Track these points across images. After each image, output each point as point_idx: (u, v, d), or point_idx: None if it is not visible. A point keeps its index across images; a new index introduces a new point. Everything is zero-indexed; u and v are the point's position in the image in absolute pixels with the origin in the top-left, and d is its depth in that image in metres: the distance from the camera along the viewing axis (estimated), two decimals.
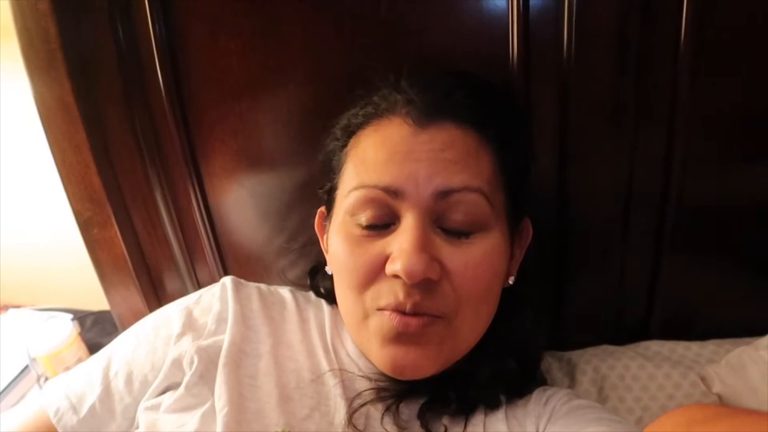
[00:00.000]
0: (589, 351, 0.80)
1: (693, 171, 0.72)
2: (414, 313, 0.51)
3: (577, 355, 0.79)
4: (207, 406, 0.56)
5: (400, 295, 0.51)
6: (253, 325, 0.64)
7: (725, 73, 0.68)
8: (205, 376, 0.58)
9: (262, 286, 0.70)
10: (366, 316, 0.55)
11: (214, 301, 0.66)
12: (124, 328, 0.97)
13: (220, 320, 0.63)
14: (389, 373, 0.55)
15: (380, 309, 0.53)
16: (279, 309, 0.67)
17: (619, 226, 0.76)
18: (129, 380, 0.63)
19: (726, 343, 0.77)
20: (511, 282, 0.61)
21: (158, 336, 0.64)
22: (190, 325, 0.64)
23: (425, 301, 0.51)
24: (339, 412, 0.55)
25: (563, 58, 0.68)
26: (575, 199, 0.76)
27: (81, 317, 1.18)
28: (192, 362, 0.58)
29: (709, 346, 0.77)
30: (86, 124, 0.77)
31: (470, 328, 0.56)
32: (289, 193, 0.80)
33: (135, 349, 0.65)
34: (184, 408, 0.57)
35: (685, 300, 0.80)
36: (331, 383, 0.57)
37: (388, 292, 0.52)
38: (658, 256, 0.77)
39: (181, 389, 0.58)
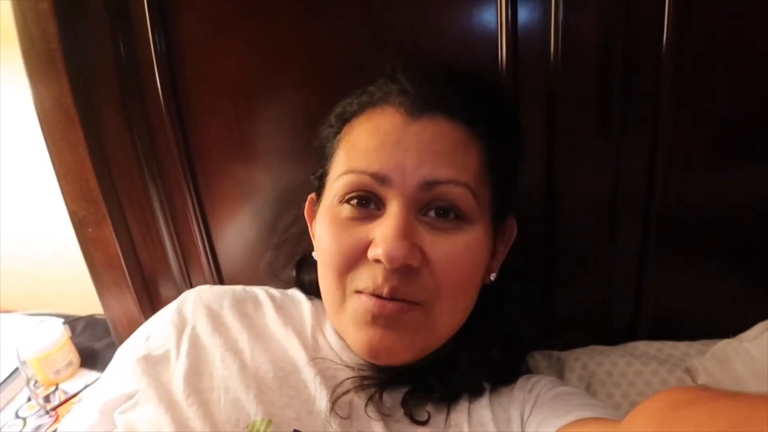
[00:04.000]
0: (578, 350, 0.81)
1: (677, 175, 0.74)
2: (391, 298, 0.52)
3: (566, 354, 0.80)
4: (171, 399, 0.56)
5: (379, 279, 0.52)
6: (225, 322, 0.64)
7: (708, 80, 0.70)
8: (155, 379, 0.58)
9: (236, 287, 0.71)
10: (344, 300, 0.56)
11: (170, 311, 0.67)
12: (117, 332, 0.97)
13: (177, 327, 0.64)
14: (364, 356, 0.56)
15: (358, 292, 0.54)
16: (253, 304, 0.68)
17: (606, 229, 0.78)
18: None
19: (713, 344, 0.77)
20: (492, 278, 0.61)
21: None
22: (145, 341, 0.66)
23: (404, 286, 0.52)
24: (320, 400, 0.55)
25: (550, 66, 0.70)
26: (563, 204, 0.77)
27: (72, 321, 1.17)
28: (135, 373, 0.59)
29: (696, 346, 0.78)
30: (83, 124, 0.78)
31: (447, 318, 0.57)
32: (284, 193, 0.81)
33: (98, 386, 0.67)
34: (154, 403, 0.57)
35: (672, 302, 0.81)
36: (312, 373, 0.58)
37: (367, 276, 0.53)
38: (645, 259, 0.79)
39: (138, 395, 0.59)
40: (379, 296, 0.53)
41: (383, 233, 0.52)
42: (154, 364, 0.60)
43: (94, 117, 0.79)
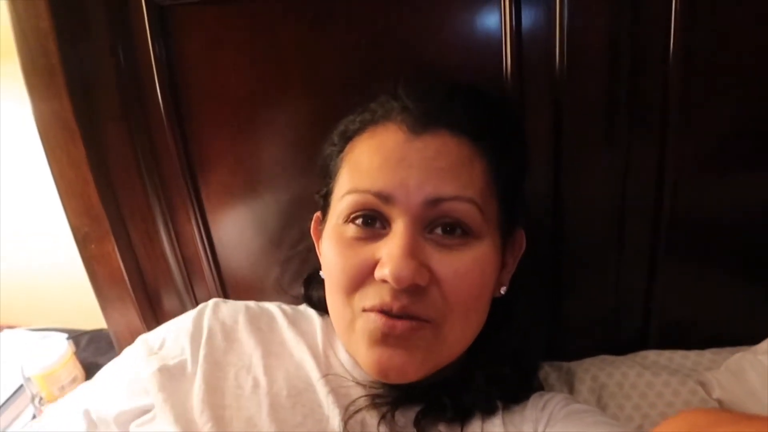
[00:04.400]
0: (588, 361, 0.80)
1: (685, 183, 0.73)
2: (401, 316, 0.52)
3: (576, 365, 0.79)
4: (187, 417, 0.56)
5: (387, 298, 0.51)
6: (239, 338, 0.64)
7: (716, 85, 0.69)
8: (172, 395, 0.58)
9: (250, 302, 0.71)
10: (353, 319, 0.55)
11: (187, 322, 0.65)
12: (121, 346, 0.97)
13: (194, 340, 0.63)
14: (374, 375, 0.55)
15: (366, 310, 0.53)
16: (267, 320, 0.67)
17: (614, 237, 0.77)
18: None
19: (724, 352, 0.77)
20: (503, 292, 0.61)
21: (129, 366, 0.65)
22: (159, 348, 0.64)
23: (413, 305, 0.51)
24: (333, 419, 0.55)
25: (556, 73, 0.70)
26: (570, 212, 0.76)
27: (76, 336, 1.17)
28: (151, 387, 0.59)
29: (707, 355, 0.77)
30: (85, 140, 0.78)
31: (458, 335, 0.56)
32: (287, 206, 0.81)
33: (107, 390, 0.65)
34: (170, 422, 0.56)
35: (682, 309, 0.80)
36: (324, 391, 0.57)
37: (375, 295, 0.52)
38: (654, 267, 0.78)
39: (155, 410, 0.58)
40: (388, 314, 0.52)
41: (389, 253, 0.51)
42: (170, 378, 0.59)
43: (95, 132, 0.79)
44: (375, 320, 0.52)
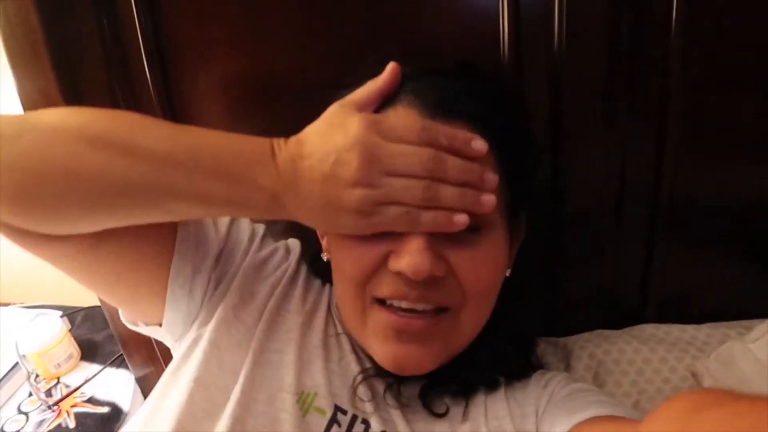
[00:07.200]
0: (584, 336, 0.80)
1: (684, 164, 0.72)
2: (416, 309, 0.51)
3: (573, 341, 0.79)
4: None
5: (403, 288, 0.50)
6: (306, 288, 0.64)
7: (715, 67, 0.68)
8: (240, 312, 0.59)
9: None
10: (364, 310, 0.54)
11: (288, 260, 0.66)
12: (116, 323, 0.96)
13: (287, 279, 0.63)
14: (389, 369, 0.55)
15: (380, 301, 0.52)
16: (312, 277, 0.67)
17: (612, 215, 0.77)
18: None
19: (721, 326, 0.77)
20: (507, 274, 0.60)
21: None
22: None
23: (430, 293, 0.51)
24: (352, 377, 0.57)
25: (554, 52, 0.68)
26: (570, 189, 0.76)
27: (70, 314, 1.17)
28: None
29: (704, 329, 0.78)
30: None
31: (474, 322, 0.56)
32: None
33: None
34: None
35: (679, 285, 0.80)
36: (349, 348, 0.59)
37: (389, 284, 0.51)
38: (652, 244, 0.78)
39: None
40: (405, 310, 0.51)
41: (407, 245, 0.49)
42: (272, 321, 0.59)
43: None
44: (388, 317, 0.52)
